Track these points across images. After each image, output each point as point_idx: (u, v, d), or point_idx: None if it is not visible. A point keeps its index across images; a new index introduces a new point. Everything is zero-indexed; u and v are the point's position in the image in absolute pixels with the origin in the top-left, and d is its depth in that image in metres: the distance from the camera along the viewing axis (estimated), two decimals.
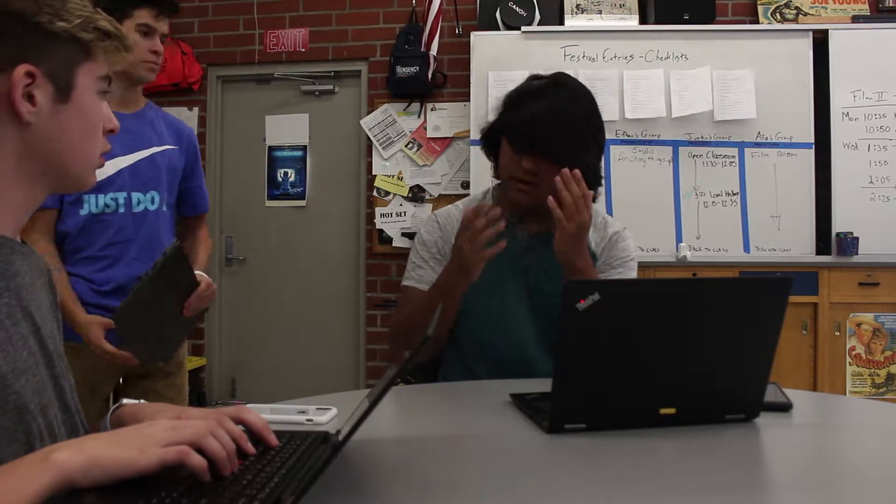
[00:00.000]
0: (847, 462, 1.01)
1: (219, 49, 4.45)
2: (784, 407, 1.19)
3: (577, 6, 4.01)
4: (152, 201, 2.01)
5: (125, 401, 0.92)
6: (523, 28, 3.85)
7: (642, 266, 3.56)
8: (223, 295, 4.38)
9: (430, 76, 4.00)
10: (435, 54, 3.75)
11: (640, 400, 1.08)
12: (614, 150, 3.76)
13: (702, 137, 3.75)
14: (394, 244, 4.21)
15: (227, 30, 4.45)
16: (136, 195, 1.97)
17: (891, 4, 4.00)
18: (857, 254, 3.56)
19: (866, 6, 4.01)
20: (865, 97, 3.71)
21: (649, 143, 3.77)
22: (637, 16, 3.98)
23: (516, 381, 1.41)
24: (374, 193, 4.26)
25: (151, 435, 0.72)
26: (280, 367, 4.37)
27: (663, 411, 1.08)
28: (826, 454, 1.06)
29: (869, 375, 3.59)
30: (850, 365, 3.59)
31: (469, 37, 3.91)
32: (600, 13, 4.00)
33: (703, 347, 1.08)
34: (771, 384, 1.16)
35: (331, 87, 4.41)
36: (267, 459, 0.80)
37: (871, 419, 1.26)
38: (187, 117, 4.29)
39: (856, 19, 3.85)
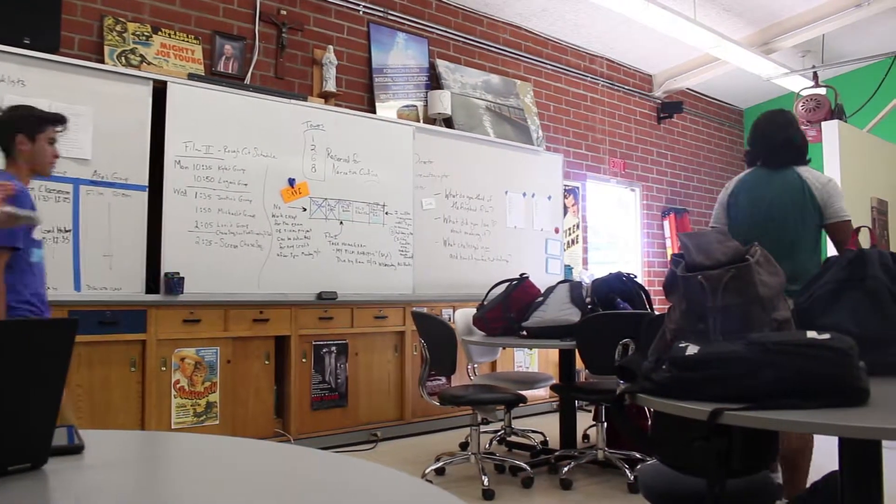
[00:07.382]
0: (129, 495, 1.07)
1: None
2: (75, 449, 1.23)
3: None
4: None
5: None
6: None
7: None
8: None
9: None
10: None
11: None
12: None
13: None
14: None
15: None
16: None
17: (221, 69, 4.49)
18: (182, 293, 3.83)
19: (202, 66, 4.42)
20: (195, 148, 4.05)
21: None
22: None
23: None
24: None
25: None
26: None
27: None
28: (112, 489, 1.09)
29: (192, 406, 3.87)
30: (176, 398, 3.82)
31: None
32: None
33: None
34: (66, 427, 1.20)
35: None
36: None
37: (157, 451, 1.41)
38: None
39: (192, 77, 4.20)
